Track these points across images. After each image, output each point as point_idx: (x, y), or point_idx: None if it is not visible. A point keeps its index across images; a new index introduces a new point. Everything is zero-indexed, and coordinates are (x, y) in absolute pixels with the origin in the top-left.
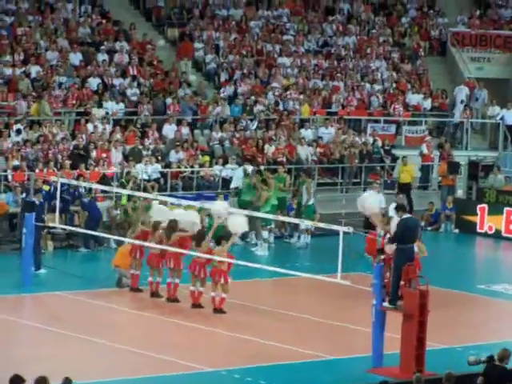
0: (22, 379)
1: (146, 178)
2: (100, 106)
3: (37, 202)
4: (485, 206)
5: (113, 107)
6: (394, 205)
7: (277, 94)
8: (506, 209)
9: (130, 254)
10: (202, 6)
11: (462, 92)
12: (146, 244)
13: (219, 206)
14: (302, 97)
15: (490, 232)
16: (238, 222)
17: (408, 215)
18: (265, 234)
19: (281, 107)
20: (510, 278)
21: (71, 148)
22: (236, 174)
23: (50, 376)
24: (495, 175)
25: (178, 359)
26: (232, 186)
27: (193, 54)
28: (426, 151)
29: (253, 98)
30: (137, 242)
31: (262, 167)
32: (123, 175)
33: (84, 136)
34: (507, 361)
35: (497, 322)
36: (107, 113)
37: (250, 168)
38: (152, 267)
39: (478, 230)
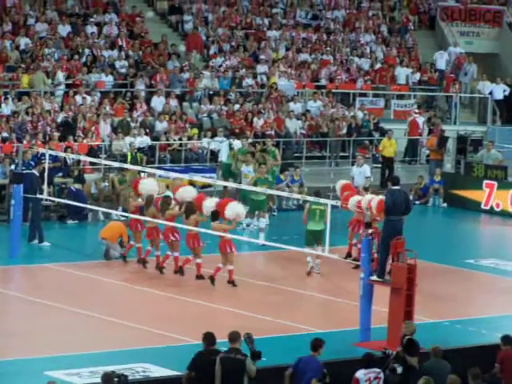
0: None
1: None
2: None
3: (37, 174)
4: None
5: (101, 79)
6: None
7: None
8: (484, 182)
9: (131, 228)
10: None
11: (442, 57)
12: (141, 217)
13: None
14: (267, 70)
15: (497, 209)
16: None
17: (396, 187)
18: (263, 221)
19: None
20: (499, 252)
21: (59, 120)
22: (223, 148)
23: (40, 347)
24: (488, 150)
25: (167, 331)
26: (219, 159)
27: (201, 45)
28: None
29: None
30: (133, 216)
31: (249, 140)
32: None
33: (72, 108)
34: None
35: (485, 297)
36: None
37: (235, 142)
38: (151, 240)
39: (483, 207)
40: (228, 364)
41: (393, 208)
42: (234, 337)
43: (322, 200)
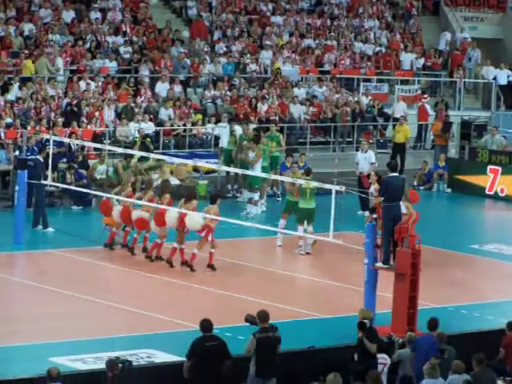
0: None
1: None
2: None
3: (41, 160)
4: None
5: (105, 65)
6: None
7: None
8: (489, 167)
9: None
10: None
11: (443, 38)
12: (137, 202)
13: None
14: (271, 55)
15: (501, 194)
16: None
17: (394, 174)
18: (255, 195)
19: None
20: (503, 238)
21: (64, 106)
22: (223, 133)
23: (44, 333)
24: (492, 135)
25: (169, 317)
26: (220, 145)
27: (205, 31)
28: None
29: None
30: (130, 200)
31: (252, 125)
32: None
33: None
34: None
35: (489, 282)
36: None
37: (236, 127)
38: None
39: (488, 193)
40: (266, 343)
41: (387, 194)
42: (263, 316)
43: (327, 186)
